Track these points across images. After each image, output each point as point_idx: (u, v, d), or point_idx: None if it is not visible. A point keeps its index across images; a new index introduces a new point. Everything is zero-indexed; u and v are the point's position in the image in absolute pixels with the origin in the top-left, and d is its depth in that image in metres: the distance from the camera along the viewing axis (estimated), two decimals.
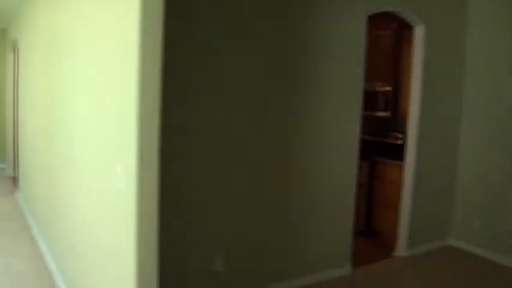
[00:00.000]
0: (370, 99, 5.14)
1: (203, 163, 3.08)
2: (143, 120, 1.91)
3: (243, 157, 3.25)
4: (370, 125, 5.66)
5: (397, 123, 5.32)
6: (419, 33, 4.30)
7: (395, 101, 5.00)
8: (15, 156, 7.06)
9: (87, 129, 2.67)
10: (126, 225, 2.07)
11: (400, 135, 5.20)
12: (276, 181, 3.45)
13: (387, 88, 5.02)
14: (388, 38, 5.02)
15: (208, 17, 2.97)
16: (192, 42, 2.93)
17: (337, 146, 3.78)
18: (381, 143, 5.46)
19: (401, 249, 4.49)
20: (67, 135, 3.22)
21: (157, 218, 2.03)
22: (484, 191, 4.57)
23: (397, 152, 4.99)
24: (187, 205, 3.06)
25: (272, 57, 3.31)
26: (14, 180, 7.25)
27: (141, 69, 1.87)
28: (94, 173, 2.56)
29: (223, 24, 3.05)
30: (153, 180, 1.99)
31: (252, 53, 3.20)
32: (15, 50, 6.87)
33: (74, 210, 3.03)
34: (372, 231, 5.04)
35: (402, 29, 4.86)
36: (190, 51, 2.93)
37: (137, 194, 1.95)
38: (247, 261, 3.39)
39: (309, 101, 3.55)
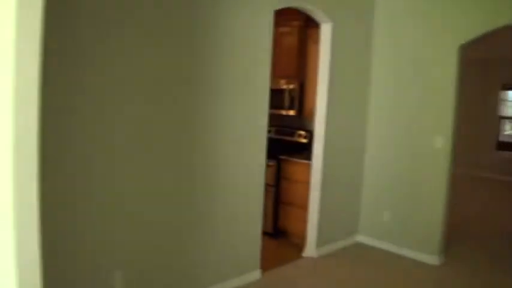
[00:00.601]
0: (275, 98, 5.02)
1: (91, 168, 2.70)
2: (19, 127, 1.54)
3: (141, 159, 2.92)
4: (276, 123, 5.57)
5: (303, 121, 5.28)
6: (326, 31, 4.25)
7: (301, 99, 4.94)
8: None
9: None
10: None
11: (306, 134, 5.16)
12: (179, 184, 3.15)
13: (292, 86, 4.94)
14: (293, 35, 4.94)
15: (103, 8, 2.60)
16: (82, 32, 2.53)
17: (244, 145, 3.58)
18: (287, 141, 5.38)
19: (311, 249, 4.43)
20: None
21: (38, 242, 1.66)
22: (391, 186, 4.68)
23: (304, 151, 4.94)
24: (75, 219, 2.65)
25: (172, 54, 3.00)
26: None
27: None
28: None
29: (124, 21, 2.69)
30: (32, 193, 1.62)
31: (153, 51, 2.87)
32: None
33: None
34: (280, 232, 4.94)
35: (308, 26, 4.81)
36: (78, 44, 2.54)
37: (13, 210, 1.57)
38: (150, 274, 3.05)
39: (214, 99, 3.31)
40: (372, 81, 4.79)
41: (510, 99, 10.28)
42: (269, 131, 5.54)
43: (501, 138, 10.20)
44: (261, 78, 3.63)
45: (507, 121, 10.41)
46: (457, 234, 5.25)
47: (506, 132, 10.56)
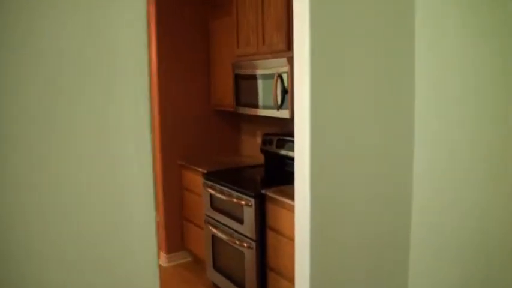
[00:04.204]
0: (258, 90, 3.07)
1: None
2: None
3: None
4: (276, 131, 3.58)
5: None
6: None
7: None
8: None
9: None
10: None
11: None
12: None
13: (283, 69, 2.91)
14: None
15: None
16: None
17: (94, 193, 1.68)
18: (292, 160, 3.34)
19: None
20: None
21: None
22: (465, 245, 2.42)
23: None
24: None
25: None
26: None
27: None
28: None
29: None
30: None
31: None
32: None
33: None
34: None
35: None
36: None
37: None
38: None
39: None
40: (417, 45, 2.56)
41: None
42: (269, 142, 3.55)
43: None
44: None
45: None
46: None
47: None
